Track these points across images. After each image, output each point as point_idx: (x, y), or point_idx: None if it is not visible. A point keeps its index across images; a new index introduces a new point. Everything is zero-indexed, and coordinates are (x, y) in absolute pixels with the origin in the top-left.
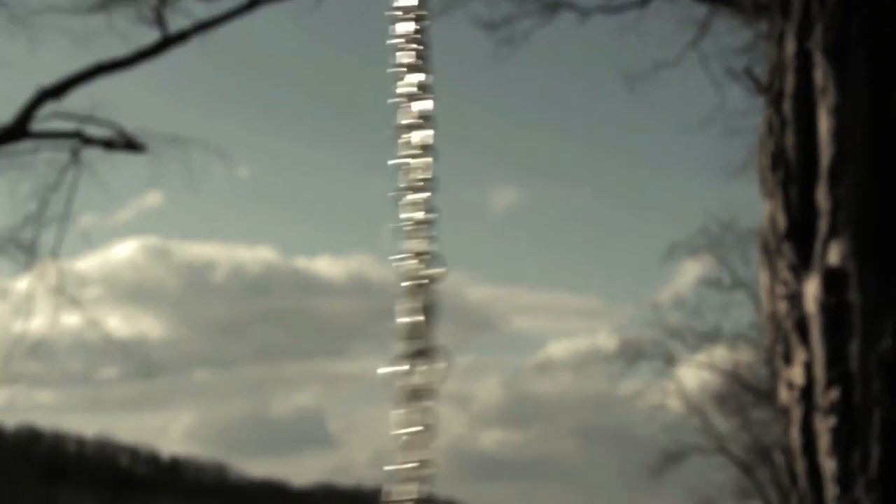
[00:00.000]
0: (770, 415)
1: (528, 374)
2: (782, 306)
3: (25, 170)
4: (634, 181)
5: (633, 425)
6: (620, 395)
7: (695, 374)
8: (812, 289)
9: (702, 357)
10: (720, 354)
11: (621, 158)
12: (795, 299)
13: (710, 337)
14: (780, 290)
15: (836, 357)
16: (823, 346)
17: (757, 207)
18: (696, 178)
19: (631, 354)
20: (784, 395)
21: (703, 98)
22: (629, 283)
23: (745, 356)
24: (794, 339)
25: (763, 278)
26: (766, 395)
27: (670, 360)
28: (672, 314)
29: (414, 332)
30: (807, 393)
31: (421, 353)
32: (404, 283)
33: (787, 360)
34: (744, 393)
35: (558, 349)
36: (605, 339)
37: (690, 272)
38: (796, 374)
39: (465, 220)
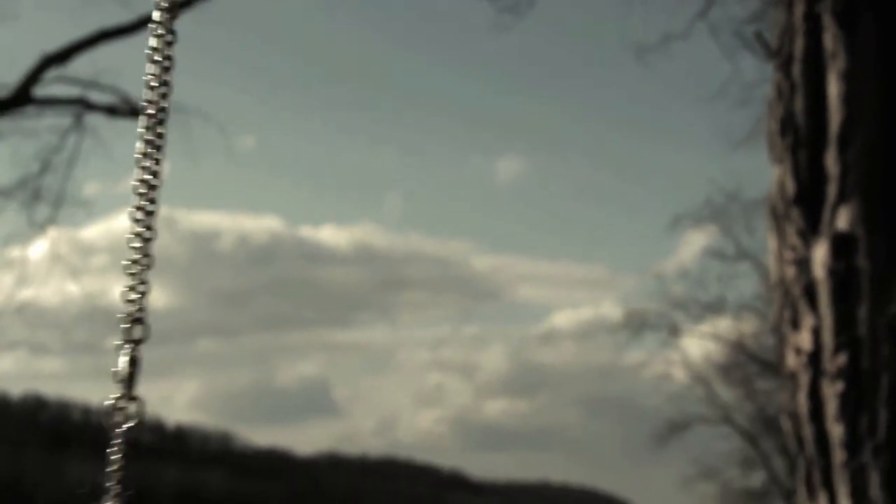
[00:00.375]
0: (774, 385)
1: (533, 343)
2: (790, 271)
3: (29, 135)
4: (640, 152)
5: (637, 395)
6: (625, 365)
7: (699, 345)
8: (820, 254)
9: (706, 327)
10: (724, 325)
11: (627, 129)
12: (804, 264)
13: (715, 307)
14: (789, 255)
15: (844, 322)
16: (832, 311)
17: (762, 179)
18: (702, 149)
19: (635, 325)
20: (792, 360)
21: (711, 70)
22: (635, 253)
23: (750, 326)
24: (803, 305)
25: (771, 243)
26: (770, 366)
27: (674, 331)
28: (676, 285)
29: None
30: (815, 358)
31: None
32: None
33: (795, 325)
34: (748, 363)
35: (563, 319)
36: (610, 309)
37: (695, 243)
38: (804, 339)
39: (470, 190)
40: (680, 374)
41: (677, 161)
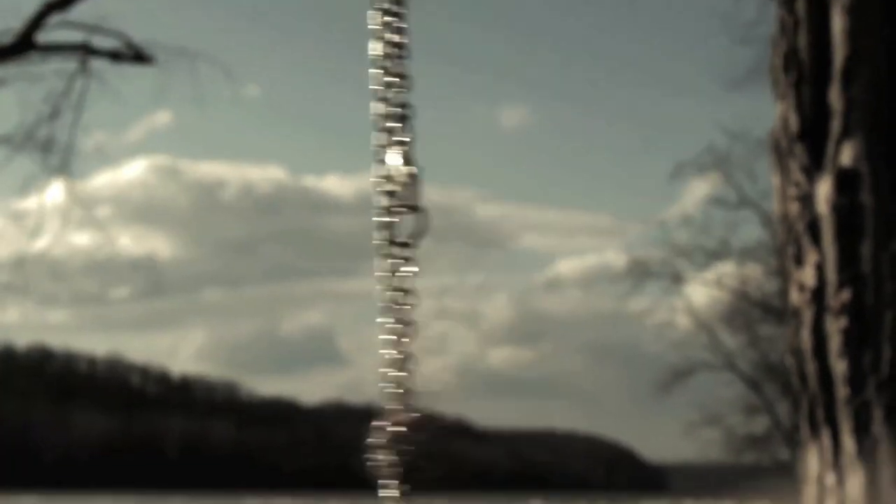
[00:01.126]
0: (777, 331)
1: (538, 292)
2: (794, 208)
3: (35, 81)
4: (644, 99)
5: (641, 343)
6: (629, 312)
7: (703, 292)
8: (824, 190)
9: (709, 275)
10: (728, 272)
11: (631, 76)
12: (807, 200)
13: (718, 255)
14: (792, 191)
15: (847, 258)
16: (835, 247)
17: (763, 123)
18: (705, 95)
19: (639, 273)
20: (795, 296)
21: (712, 11)
22: (639, 201)
23: (753, 273)
24: (806, 241)
25: (774, 180)
26: (773, 311)
27: (678, 279)
28: (680, 232)
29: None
30: (818, 294)
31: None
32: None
33: (799, 261)
34: (751, 309)
35: (567, 267)
36: (615, 257)
37: (698, 190)
38: (808, 275)
39: (474, 139)
40: (683, 322)
41: (681, 107)
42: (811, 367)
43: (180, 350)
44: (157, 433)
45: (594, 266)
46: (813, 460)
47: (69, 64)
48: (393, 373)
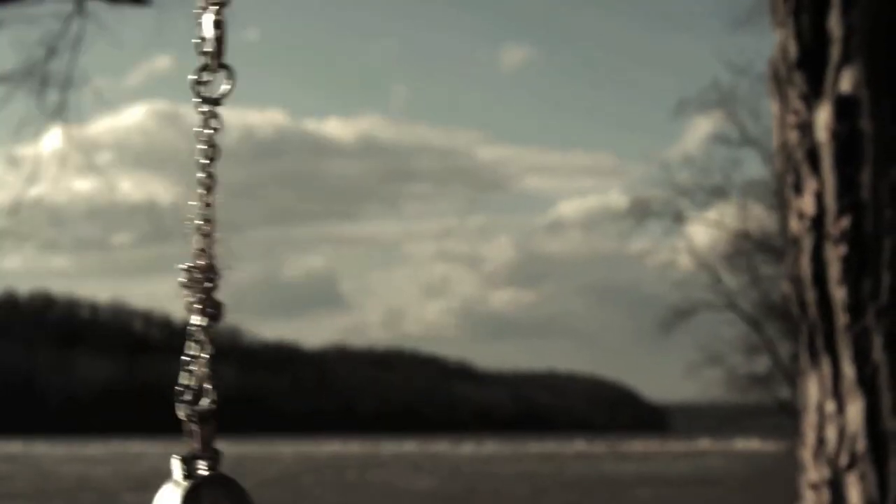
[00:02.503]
0: (779, 270)
1: (539, 233)
2: (793, 136)
3: (32, 22)
4: (645, 37)
5: (643, 283)
6: (631, 253)
7: (704, 232)
8: (823, 117)
9: (711, 214)
10: (729, 211)
11: (631, 14)
12: (806, 128)
13: (720, 194)
14: (792, 119)
15: (847, 185)
16: (834, 174)
17: (765, 59)
18: (707, 32)
19: (640, 213)
20: (795, 225)
21: None
22: (642, 141)
23: (754, 212)
24: (805, 169)
25: (774, 108)
26: (775, 251)
27: (679, 218)
28: (681, 172)
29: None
30: (818, 222)
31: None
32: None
33: (798, 189)
34: (753, 249)
35: (569, 208)
36: (617, 198)
37: (701, 129)
38: (807, 203)
39: (474, 80)
40: (685, 262)
41: (682, 45)
42: (811, 295)
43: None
44: (160, 378)
45: (596, 207)
46: (813, 388)
47: (65, 5)
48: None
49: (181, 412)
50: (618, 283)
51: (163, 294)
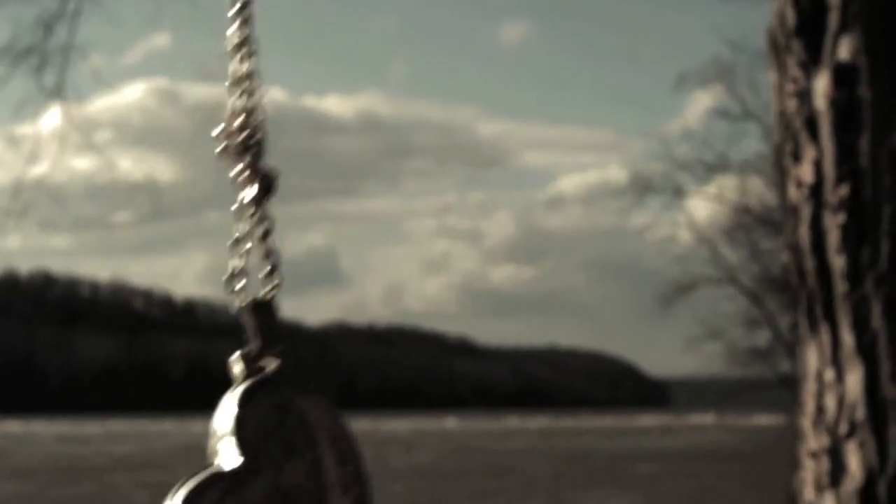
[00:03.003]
0: (778, 244)
1: (539, 209)
2: (791, 104)
3: (28, 2)
4: (644, 12)
5: (643, 258)
6: (631, 228)
7: (704, 206)
8: (822, 85)
9: (711, 189)
10: (729, 185)
11: None
12: (805, 96)
13: (719, 168)
14: (790, 87)
15: (845, 153)
16: (833, 142)
17: (762, 33)
18: (707, 7)
19: (640, 187)
20: (793, 193)
21: None
22: (642, 115)
23: (754, 186)
24: (804, 137)
25: (772, 76)
26: (774, 225)
27: (679, 193)
28: (681, 146)
29: None
30: (816, 190)
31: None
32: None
33: (797, 158)
34: (753, 223)
35: (569, 183)
36: (617, 173)
37: (701, 103)
38: (805, 171)
39: (474, 55)
40: (685, 236)
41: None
42: (809, 264)
43: (183, 273)
44: (161, 356)
45: (596, 182)
46: (812, 356)
47: None
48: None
49: (236, 302)
50: (618, 259)
51: (163, 272)
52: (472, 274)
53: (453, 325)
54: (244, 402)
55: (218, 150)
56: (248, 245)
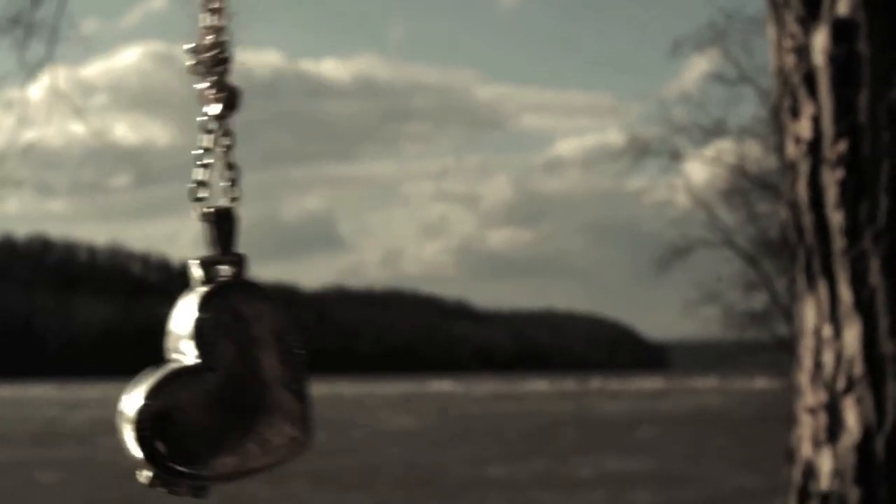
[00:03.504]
0: (775, 207)
1: (537, 172)
2: (790, 60)
3: None
4: None
5: (640, 221)
6: (628, 191)
7: (701, 169)
8: (820, 41)
9: (708, 152)
10: (726, 148)
11: None
12: (803, 52)
13: (716, 132)
14: (788, 43)
15: (844, 109)
16: (831, 98)
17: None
18: None
19: (637, 151)
20: (791, 149)
21: None
22: (640, 79)
23: (751, 149)
24: (802, 93)
25: (770, 32)
26: (771, 188)
27: (676, 156)
28: (679, 109)
29: None
30: (814, 146)
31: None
32: None
33: (795, 113)
34: (749, 186)
35: (567, 147)
36: (615, 136)
37: (698, 67)
38: (804, 127)
39: (472, 19)
40: (682, 199)
41: None
42: (808, 220)
43: (180, 237)
44: (158, 320)
45: (594, 146)
46: (810, 312)
47: None
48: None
49: (196, 211)
50: (616, 222)
51: (160, 236)
52: (470, 237)
53: (451, 289)
54: (203, 305)
55: (188, 65)
56: (211, 159)
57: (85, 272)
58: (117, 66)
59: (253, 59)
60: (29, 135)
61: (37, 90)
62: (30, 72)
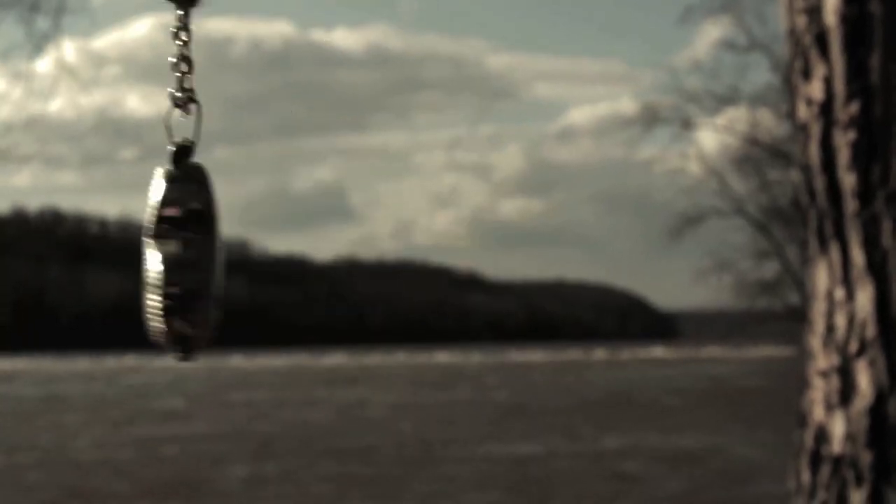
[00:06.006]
0: (786, 175)
1: (549, 141)
2: (801, 20)
3: None
4: None
5: (652, 190)
6: (640, 160)
7: (713, 138)
8: (832, 1)
9: (720, 120)
10: (738, 116)
11: None
12: (815, 12)
13: (728, 100)
14: (800, 3)
15: (856, 70)
16: (843, 59)
17: None
18: None
19: (648, 119)
20: (803, 111)
21: None
22: (652, 47)
23: (763, 118)
24: (814, 54)
25: None
26: (783, 155)
27: (687, 124)
28: (690, 77)
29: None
30: (826, 108)
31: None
32: None
33: (806, 75)
34: (761, 154)
35: (580, 116)
36: (628, 105)
37: (710, 34)
38: (815, 89)
39: None
40: (694, 168)
41: None
42: (820, 182)
43: None
44: None
45: (607, 114)
46: (822, 276)
47: None
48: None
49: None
50: (627, 191)
51: None
52: (482, 207)
53: (463, 259)
54: (170, 178)
55: None
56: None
57: (96, 244)
58: (129, 38)
59: (264, 30)
60: (37, 107)
61: (45, 63)
62: (37, 44)
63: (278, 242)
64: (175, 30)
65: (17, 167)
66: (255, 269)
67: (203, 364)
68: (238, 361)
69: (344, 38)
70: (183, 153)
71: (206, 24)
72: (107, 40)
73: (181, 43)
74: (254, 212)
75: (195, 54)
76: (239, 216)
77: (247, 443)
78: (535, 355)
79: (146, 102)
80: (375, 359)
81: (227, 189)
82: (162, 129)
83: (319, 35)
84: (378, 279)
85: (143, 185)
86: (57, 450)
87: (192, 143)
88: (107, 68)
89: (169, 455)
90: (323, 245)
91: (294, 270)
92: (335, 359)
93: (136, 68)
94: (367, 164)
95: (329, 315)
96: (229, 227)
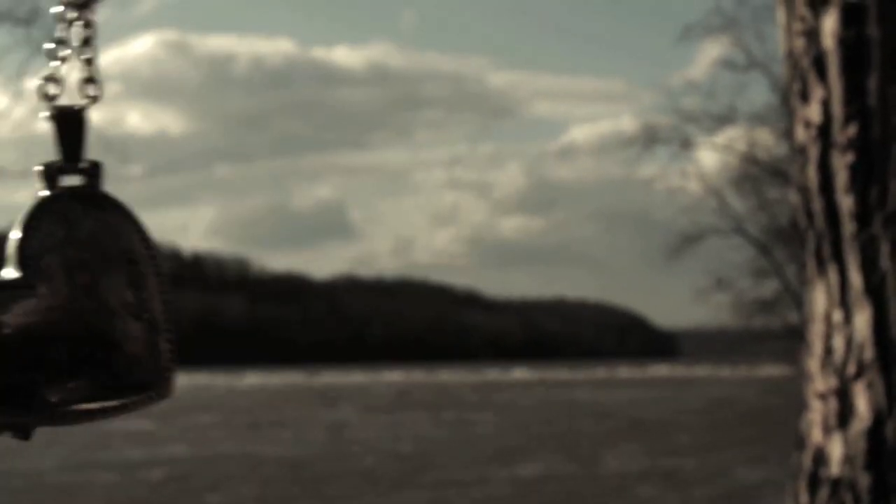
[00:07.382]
0: (786, 194)
1: (550, 159)
2: (799, 43)
3: None
4: None
5: (652, 209)
6: (640, 178)
7: (712, 157)
8: (830, 24)
9: (719, 139)
10: (737, 135)
11: None
12: (813, 35)
13: (727, 119)
14: (798, 26)
15: (854, 93)
16: (841, 81)
17: None
18: None
19: (648, 139)
20: (801, 133)
21: None
22: (654, 65)
23: (762, 136)
24: (812, 77)
25: (780, 16)
26: (782, 175)
27: (686, 144)
28: (690, 97)
29: None
30: (824, 130)
31: None
32: None
33: (805, 97)
34: (760, 173)
35: (580, 134)
36: (629, 123)
37: (710, 54)
38: (813, 111)
39: (484, 5)
40: (694, 187)
41: None
42: (817, 204)
43: (191, 226)
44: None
45: (608, 133)
46: (819, 297)
47: None
48: None
49: (47, 113)
50: (627, 209)
51: (171, 226)
52: (482, 226)
53: (462, 278)
54: (28, 219)
55: None
56: (67, 51)
57: None
58: (130, 55)
59: (266, 48)
60: (39, 124)
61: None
62: (40, 61)
63: (278, 260)
64: (73, 23)
65: (16, 184)
66: (255, 287)
67: (199, 381)
68: (233, 380)
69: (345, 56)
70: (55, 175)
71: (207, 42)
72: (108, 57)
73: (83, 41)
74: (254, 230)
75: (196, 73)
76: (239, 234)
77: (237, 466)
78: (534, 374)
79: (147, 120)
80: (374, 377)
81: (227, 207)
82: (161, 146)
83: (321, 53)
84: (377, 297)
85: (143, 202)
86: (23, 475)
87: (95, 164)
88: (108, 85)
89: (155, 479)
90: (322, 263)
91: (293, 288)
92: (333, 377)
93: (137, 85)
94: (367, 182)
95: (328, 333)
96: (230, 244)
